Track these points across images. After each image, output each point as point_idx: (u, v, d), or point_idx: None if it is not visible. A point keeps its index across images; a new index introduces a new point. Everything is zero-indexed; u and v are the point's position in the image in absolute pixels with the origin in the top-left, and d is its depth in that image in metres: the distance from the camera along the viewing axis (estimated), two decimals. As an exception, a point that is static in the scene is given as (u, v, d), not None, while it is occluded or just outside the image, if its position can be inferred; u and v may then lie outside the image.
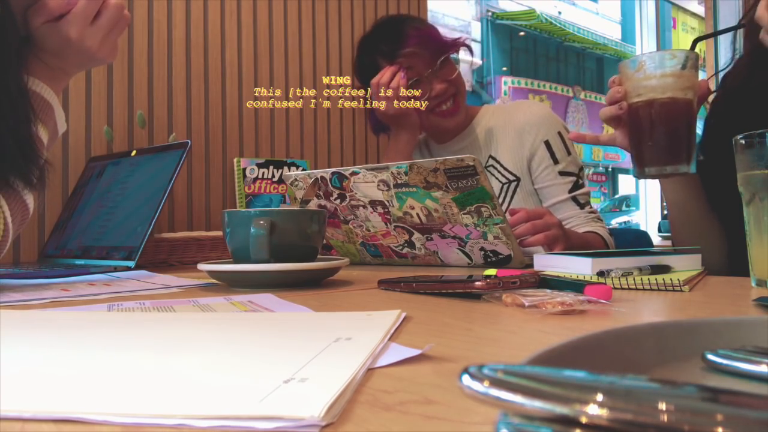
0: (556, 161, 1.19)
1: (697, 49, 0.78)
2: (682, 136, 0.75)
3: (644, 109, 0.76)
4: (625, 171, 11.48)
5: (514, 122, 1.23)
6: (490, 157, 1.24)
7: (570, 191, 1.18)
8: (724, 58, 0.94)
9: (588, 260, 0.64)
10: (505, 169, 1.22)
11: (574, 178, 1.19)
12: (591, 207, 1.20)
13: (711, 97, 0.93)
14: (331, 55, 1.60)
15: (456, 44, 1.21)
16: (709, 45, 3.29)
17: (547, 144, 1.19)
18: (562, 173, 1.18)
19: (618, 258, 0.66)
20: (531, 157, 1.20)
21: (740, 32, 0.89)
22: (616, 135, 0.85)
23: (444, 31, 1.29)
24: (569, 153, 1.20)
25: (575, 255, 0.68)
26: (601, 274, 0.61)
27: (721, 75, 0.95)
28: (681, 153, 0.76)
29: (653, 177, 0.80)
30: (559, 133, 1.20)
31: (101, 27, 0.70)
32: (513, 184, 1.21)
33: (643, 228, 4.42)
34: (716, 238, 0.91)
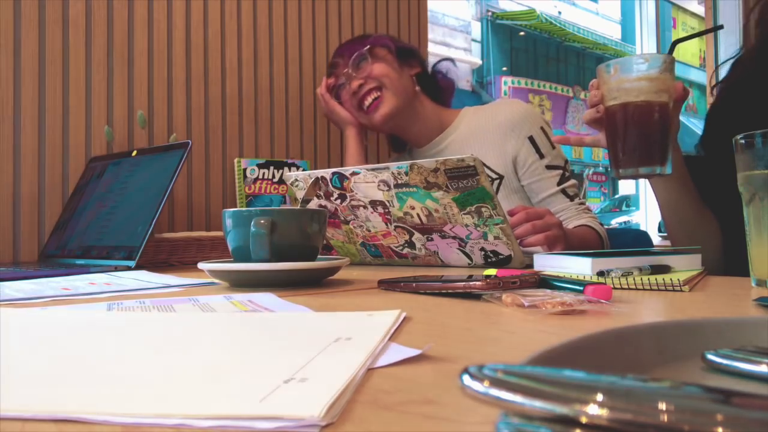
0: (541, 156, 1.20)
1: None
2: (656, 139, 0.76)
3: (619, 112, 0.77)
4: (625, 171, 11.43)
5: (496, 121, 1.24)
6: None
7: (558, 184, 1.19)
8: (725, 53, 0.94)
9: (588, 260, 0.64)
10: (488, 167, 1.22)
11: (560, 171, 1.20)
12: (580, 198, 1.21)
13: (713, 96, 0.93)
14: (332, 55, 1.60)
15: (366, 43, 1.27)
16: (709, 40, 3.27)
17: (531, 139, 1.20)
18: (549, 167, 1.19)
19: (618, 258, 0.66)
20: (516, 154, 1.21)
21: (742, 30, 0.89)
22: (599, 137, 0.86)
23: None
24: (553, 147, 1.21)
25: (575, 255, 0.68)
26: (601, 274, 0.61)
27: (722, 69, 0.95)
28: (655, 155, 0.76)
29: (629, 178, 0.81)
30: (542, 128, 1.22)
31: None
32: (496, 183, 1.22)
33: (643, 228, 4.42)
34: (710, 235, 0.91)
